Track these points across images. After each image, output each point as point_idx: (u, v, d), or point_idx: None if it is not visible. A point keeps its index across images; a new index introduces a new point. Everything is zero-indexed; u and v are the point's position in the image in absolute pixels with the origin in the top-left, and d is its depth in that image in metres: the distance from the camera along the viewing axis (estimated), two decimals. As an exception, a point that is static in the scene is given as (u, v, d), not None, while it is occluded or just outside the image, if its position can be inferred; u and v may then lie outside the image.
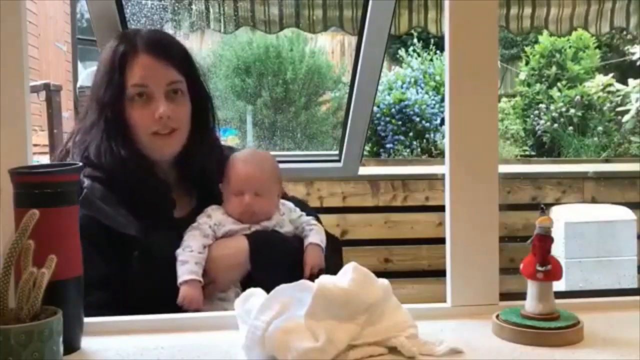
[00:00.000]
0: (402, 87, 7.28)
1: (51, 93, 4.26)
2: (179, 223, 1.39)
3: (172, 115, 1.36)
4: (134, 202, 1.34)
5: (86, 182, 1.33)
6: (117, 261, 1.29)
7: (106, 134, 1.36)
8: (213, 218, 1.38)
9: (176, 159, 1.43)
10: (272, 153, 1.61)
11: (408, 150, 6.95)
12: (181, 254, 1.32)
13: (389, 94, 7.17)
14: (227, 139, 6.03)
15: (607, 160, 6.34)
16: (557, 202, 4.13)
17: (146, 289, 1.28)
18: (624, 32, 7.00)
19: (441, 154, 6.64)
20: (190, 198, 1.45)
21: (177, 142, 1.40)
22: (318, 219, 1.50)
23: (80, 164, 1.22)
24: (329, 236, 1.49)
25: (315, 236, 1.42)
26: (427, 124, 7.08)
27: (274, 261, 1.34)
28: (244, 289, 1.30)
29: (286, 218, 1.43)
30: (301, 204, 1.53)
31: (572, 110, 7.11)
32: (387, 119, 7.03)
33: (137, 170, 1.37)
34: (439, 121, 7.06)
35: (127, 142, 1.37)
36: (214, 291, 1.34)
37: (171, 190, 1.42)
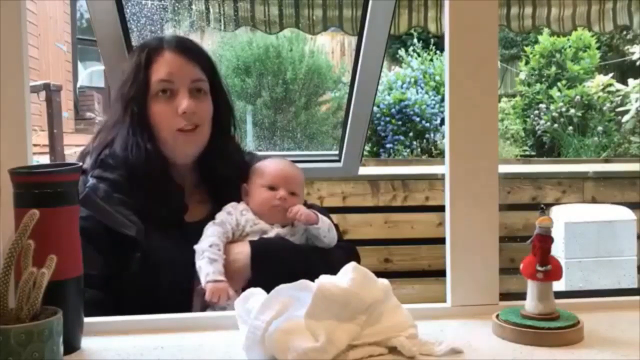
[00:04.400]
0: (402, 87, 7.29)
1: (51, 93, 4.26)
2: (189, 228, 1.38)
3: (195, 111, 1.37)
4: (144, 205, 1.33)
5: (90, 181, 1.32)
6: (116, 261, 1.28)
7: (132, 130, 1.37)
8: (234, 216, 1.37)
9: (195, 163, 1.43)
10: (272, 153, 1.61)
11: (408, 150, 6.96)
12: (208, 250, 1.30)
13: (389, 94, 7.17)
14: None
15: (607, 160, 6.33)
16: (557, 202, 4.13)
17: (144, 290, 1.27)
18: (624, 32, 7.01)
19: (441, 154, 6.65)
20: (205, 204, 1.44)
21: (199, 140, 1.40)
22: (337, 227, 1.48)
23: (80, 164, 1.22)
24: (346, 244, 1.48)
25: (319, 212, 1.41)
26: (427, 124, 7.09)
27: (277, 270, 1.30)
28: None
29: (300, 227, 1.41)
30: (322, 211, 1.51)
31: (572, 110, 7.11)
32: (387, 119, 7.04)
33: (158, 169, 1.37)
34: (439, 121, 7.06)
35: (152, 139, 1.37)
36: None
37: (184, 196, 1.41)
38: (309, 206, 1.49)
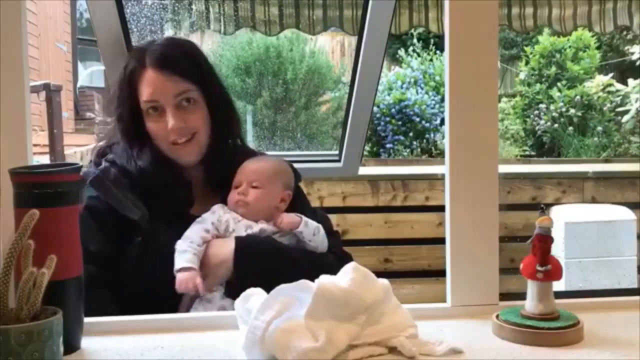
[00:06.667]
0: (402, 87, 7.29)
1: (51, 93, 4.27)
2: (194, 220, 1.40)
3: (185, 125, 1.40)
4: (150, 196, 1.38)
5: (103, 164, 1.39)
6: (118, 243, 1.33)
7: (124, 145, 1.43)
8: (216, 214, 1.39)
9: (202, 160, 1.45)
10: (272, 153, 1.61)
11: (408, 150, 6.96)
12: (180, 244, 1.33)
13: (389, 94, 7.17)
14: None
15: (607, 160, 6.34)
16: (557, 202, 4.13)
17: (141, 276, 1.30)
18: (624, 33, 7.01)
19: (441, 154, 6.65)
20: (214, 198, 1.46)
21: (196, 148, 1.43)
22: (337, 234, 1.51)
23: (80, 164, 1.23)
24: (340, 251, 1.49)
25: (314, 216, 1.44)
26: (427, 124, 7.09)
27: (259, 267, 1.32)
28: (227, 291, 1.30)
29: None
30: (318, 216, 1.51)
31: (572, 110, 7.11)
32: (387, 119, 7.03)
33: (158, 176, 1.40)
34: (439, 121, 7.06)
35: (147, 152, 1.41)
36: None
37: (191, 190, 1.44)
38: (309, 209, 1.51)
